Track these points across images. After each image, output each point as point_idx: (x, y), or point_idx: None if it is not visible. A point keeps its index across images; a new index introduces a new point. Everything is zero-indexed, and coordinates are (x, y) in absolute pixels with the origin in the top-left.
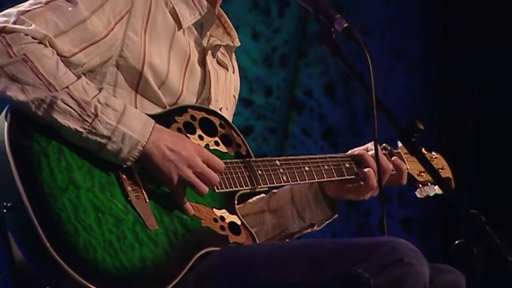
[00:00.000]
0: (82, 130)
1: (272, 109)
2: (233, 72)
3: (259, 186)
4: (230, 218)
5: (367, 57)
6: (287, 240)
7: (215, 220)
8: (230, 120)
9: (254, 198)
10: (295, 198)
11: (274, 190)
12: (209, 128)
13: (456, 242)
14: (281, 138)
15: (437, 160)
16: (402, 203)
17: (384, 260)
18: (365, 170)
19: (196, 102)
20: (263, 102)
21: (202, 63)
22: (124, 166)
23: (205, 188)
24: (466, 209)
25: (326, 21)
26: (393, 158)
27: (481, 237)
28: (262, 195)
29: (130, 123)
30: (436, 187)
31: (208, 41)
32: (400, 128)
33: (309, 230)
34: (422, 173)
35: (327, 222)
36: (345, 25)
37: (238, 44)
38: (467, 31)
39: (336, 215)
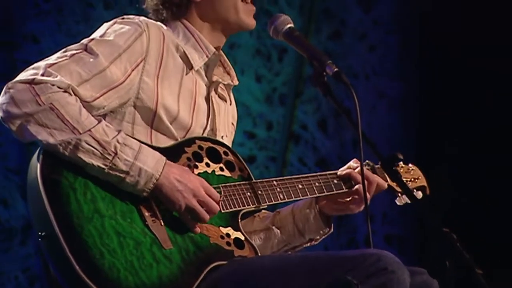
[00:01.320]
0: (104, 166)
1: (273, 141)
2: (230, 104)
3: (260, 205)
4: (235, 234)
5: (354, 97)
6: (289, 252)
7: (222, 237)
8: (230, 144)
9: (261, 216)
10: (296, 218)
11: (278, 210)
12: (214, 156)
13: (431, 256)
14: (280, 166)
15: (414, 171)
16: (385, 222)
17: (371, 269)
18: (357, 187)
19: (203, 133)
20: (265, 135)
21: (207, 98)
22: (141, 196)
23: (206, 216)
24: (440, 228)
25: (319, 66)
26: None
27: (452, 252)
28: (268, 213)
29: (145, 160)
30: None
31: (212, 79)
32: (382, 157)
33: (309, 244)
34: None
35: (324, 236)
36: (335, 69)
37: (237, 83)
38: (441, 76)
39: (332, 230)
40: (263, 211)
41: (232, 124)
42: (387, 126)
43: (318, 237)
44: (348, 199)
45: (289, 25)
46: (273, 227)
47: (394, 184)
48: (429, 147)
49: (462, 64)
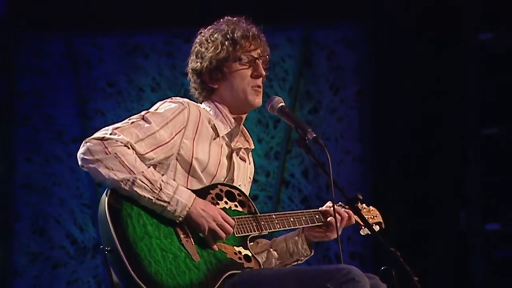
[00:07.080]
0: (152, 197)
1: (270, 185)
2: (249, 164)
3: (262, 231)
4: (244, 252)
5: (327, 154)
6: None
7: (235, 253)
8: (248, 191)
9: (262, 243)
10: (287, 243)
11: (274, 238)
12: (231, 197)
13: (382, 268)
14: (275, 203)
15: (373, 211)
16: (349, 243)
17: (343, 279)
18: (330, 220)
19: (223, 181)
20: (264, 180)
21: (229, 157)
22: (177, 221)
23: (223, 235)
24: (388, 248)
25: (302, 132)
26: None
27: (397, 265)
28: (266, 241)
29: (181, 194)
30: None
31: (235, 144)
32: (347, 197)
33: (295, 263)
34: None
35: (306, 258)
36: (314, 135)
37: (253, 147)
38: (389, 139)
39: (312, 254)
40: (263, 240)
41: (249, 177)
42: (351, 175)
43: (302, 258)
44: (325, 229)
45: (281, 104)
46: (271, 250)
47: (359, 219)
48: (380, 189)
49: (407, 131)
